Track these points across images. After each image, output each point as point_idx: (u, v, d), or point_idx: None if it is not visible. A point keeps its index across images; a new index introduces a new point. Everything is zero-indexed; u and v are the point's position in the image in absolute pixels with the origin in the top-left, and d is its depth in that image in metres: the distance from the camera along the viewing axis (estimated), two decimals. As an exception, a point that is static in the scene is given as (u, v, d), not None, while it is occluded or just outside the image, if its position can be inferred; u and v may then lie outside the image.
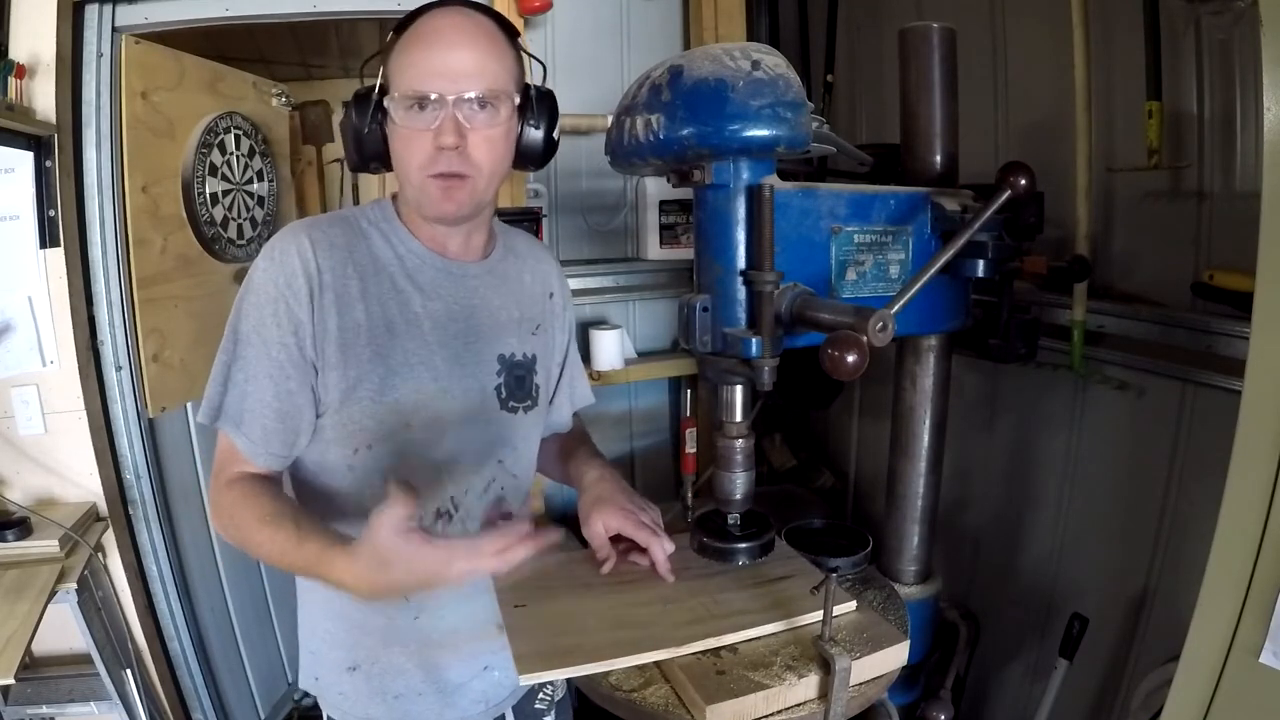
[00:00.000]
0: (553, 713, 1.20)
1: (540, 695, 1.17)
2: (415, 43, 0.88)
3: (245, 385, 0.89)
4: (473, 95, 0.87)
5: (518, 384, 1.04)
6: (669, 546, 0.99)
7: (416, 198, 0.92)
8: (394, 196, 1.00)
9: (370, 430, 0.93)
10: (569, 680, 1.06)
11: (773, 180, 0.86)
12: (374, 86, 0.91)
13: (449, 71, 0.86)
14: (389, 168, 0.94)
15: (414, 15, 0.90)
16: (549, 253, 1.18)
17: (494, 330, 1.02)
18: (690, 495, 1.79)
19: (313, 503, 0.97)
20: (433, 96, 0.86)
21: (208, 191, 2.07)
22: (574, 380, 1.20)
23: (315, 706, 1.08)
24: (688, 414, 1.93)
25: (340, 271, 0.91)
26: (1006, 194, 0.93)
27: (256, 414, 0.89)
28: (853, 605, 0.95)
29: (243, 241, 2.23)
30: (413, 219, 0.98)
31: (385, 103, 0.89)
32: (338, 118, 3.15)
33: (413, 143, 0.88)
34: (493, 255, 1.04)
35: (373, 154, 0.93)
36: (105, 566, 1.74)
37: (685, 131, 0.83)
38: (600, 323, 2.03)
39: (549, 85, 0.98)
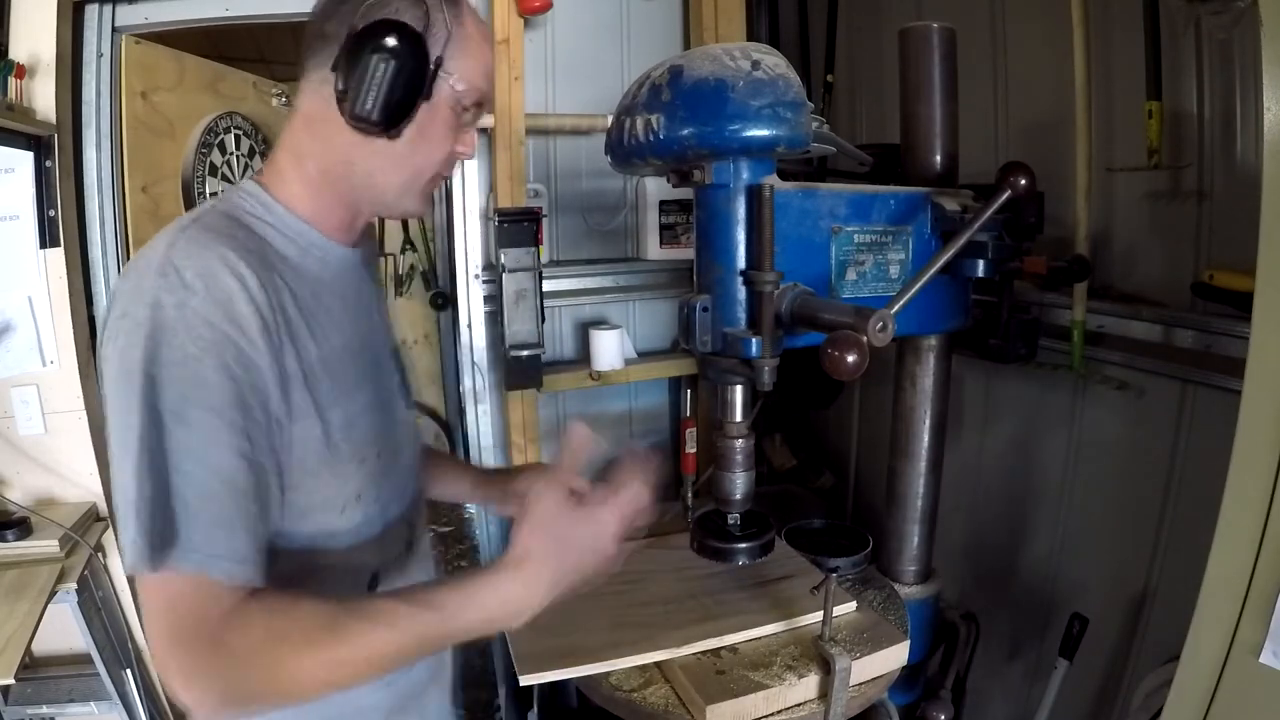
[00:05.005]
0: None
1: None
2: (481, 41, 0.74)
3: (199, 487, 0.60)
4: None
5: (403, 377, 0.90)
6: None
7: (399, 190, 0.76)
8: (258, 177, 0.77)
9: (358, 479, 0.75)
10: (568, 680, 1.06)
11: (773, 180, 0.86)
12: (423, 39, 0.69)
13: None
14: (393, 135, 0.71)
15: None
16: None
17: (383, 321, 0.88)
18: (690, 495, 1.78)
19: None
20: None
21: (208, 191, 2.07)
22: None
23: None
24: (688, 414, 1.93)
25: (274, 286, 0.67)
26: (1006, 194, 0.93)
27: (236, 522, 0.61)
28: (853, 605, 0.95)
29: (243, 241, 2.23)
30: (312, 206, 0.75)
31: (450, 83, 0.71)
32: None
33: (447, 141, 0.75)
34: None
35: (400, 118, 0.70)
36: (105, 566, 1.74)
37: (685, 131, 0.83)
38: (600, 323, 2.03)
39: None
